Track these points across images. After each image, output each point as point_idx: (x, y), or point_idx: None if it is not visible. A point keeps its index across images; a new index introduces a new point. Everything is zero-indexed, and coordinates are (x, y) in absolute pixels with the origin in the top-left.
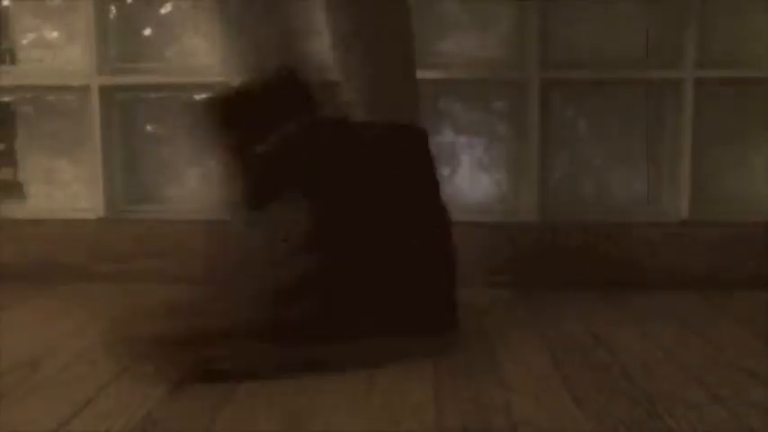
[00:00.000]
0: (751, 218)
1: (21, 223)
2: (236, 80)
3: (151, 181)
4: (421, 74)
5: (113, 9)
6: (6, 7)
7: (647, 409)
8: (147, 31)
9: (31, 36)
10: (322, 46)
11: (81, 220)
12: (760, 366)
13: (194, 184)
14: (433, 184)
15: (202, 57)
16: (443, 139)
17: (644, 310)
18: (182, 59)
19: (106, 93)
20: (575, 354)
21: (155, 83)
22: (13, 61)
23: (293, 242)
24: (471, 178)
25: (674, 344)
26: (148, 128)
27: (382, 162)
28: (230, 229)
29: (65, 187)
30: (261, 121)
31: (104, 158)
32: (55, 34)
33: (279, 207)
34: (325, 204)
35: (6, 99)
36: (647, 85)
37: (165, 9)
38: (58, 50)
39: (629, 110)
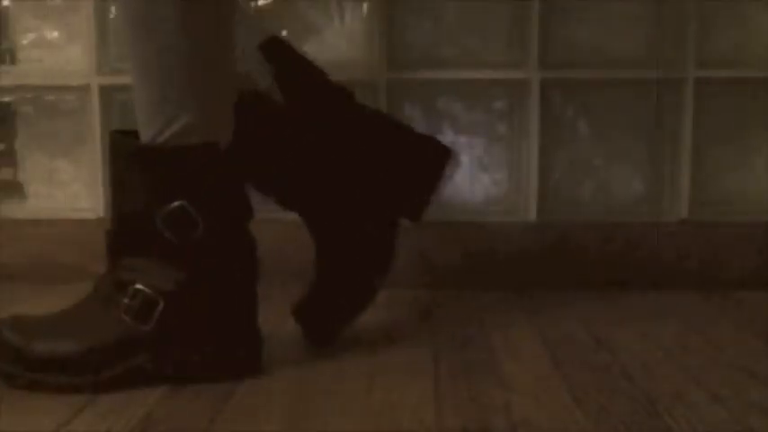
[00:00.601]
0: (751, 218)
1: (21, 223)
2: None
3: None
4: (421, 74)
5: (113, 9)
6: (6, 7)
7: (647, 409)
8: None
9: (31, 36)
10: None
11: (81, 220)
12: (760, 366)
13: None
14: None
15: None
16: (444, 139)
17: (644, 310)
18: None
19: (106, 93)
20: (575, 354)
21: None
22: (13, 61)
23: None
24: (471, 178)
25: (674, 344)
26: None
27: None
28: None
29: (65, 187)
30: None
31: (104, 158)
32: (55, 34)
33: None
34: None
35: (6, 99)
36: (647, 85)
37: None
38: (57, 50)
39: (629, 110)
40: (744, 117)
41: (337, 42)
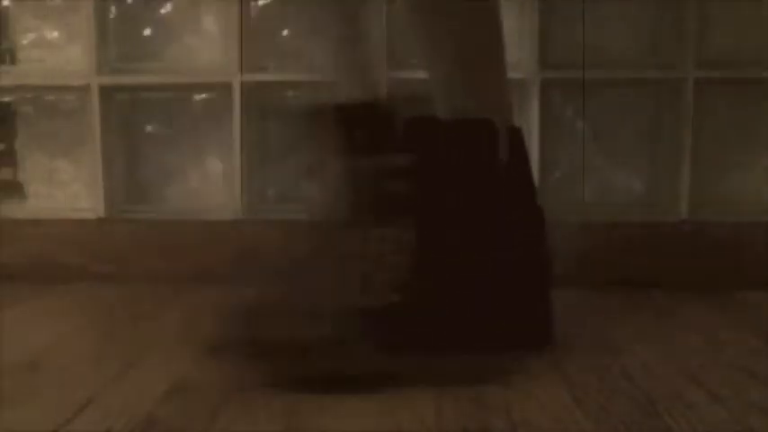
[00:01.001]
0: (751, 218)
1: (21, 223)
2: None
3: (151, 181)
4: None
5: (113, 9)
6: (6, 7)
7: (647, 409)
8: (147, 31)
9: (31, 36)
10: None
11: (81, 220)
12: (760, 366)
13: (194, 184)
14: (528, 185)
15: (202, 56)
16: None
17: (644, 311)
18: (182, 59)
19: (106, 93)
20: (575, 354)
21: (155, 83)
22: (13, 61)
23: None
24: None
25: (674, 344)
26: (148, 128)
27: (477, 160)
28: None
29: (65, 187)
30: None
31: (104, 158)
32: (55, 34)
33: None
34: (425, 213)
35: (6, 99)
36: (647, 85)
37: (165, 9)
38: (57, 50)
39: (629, 110)
40: (744, 117)
41: None
